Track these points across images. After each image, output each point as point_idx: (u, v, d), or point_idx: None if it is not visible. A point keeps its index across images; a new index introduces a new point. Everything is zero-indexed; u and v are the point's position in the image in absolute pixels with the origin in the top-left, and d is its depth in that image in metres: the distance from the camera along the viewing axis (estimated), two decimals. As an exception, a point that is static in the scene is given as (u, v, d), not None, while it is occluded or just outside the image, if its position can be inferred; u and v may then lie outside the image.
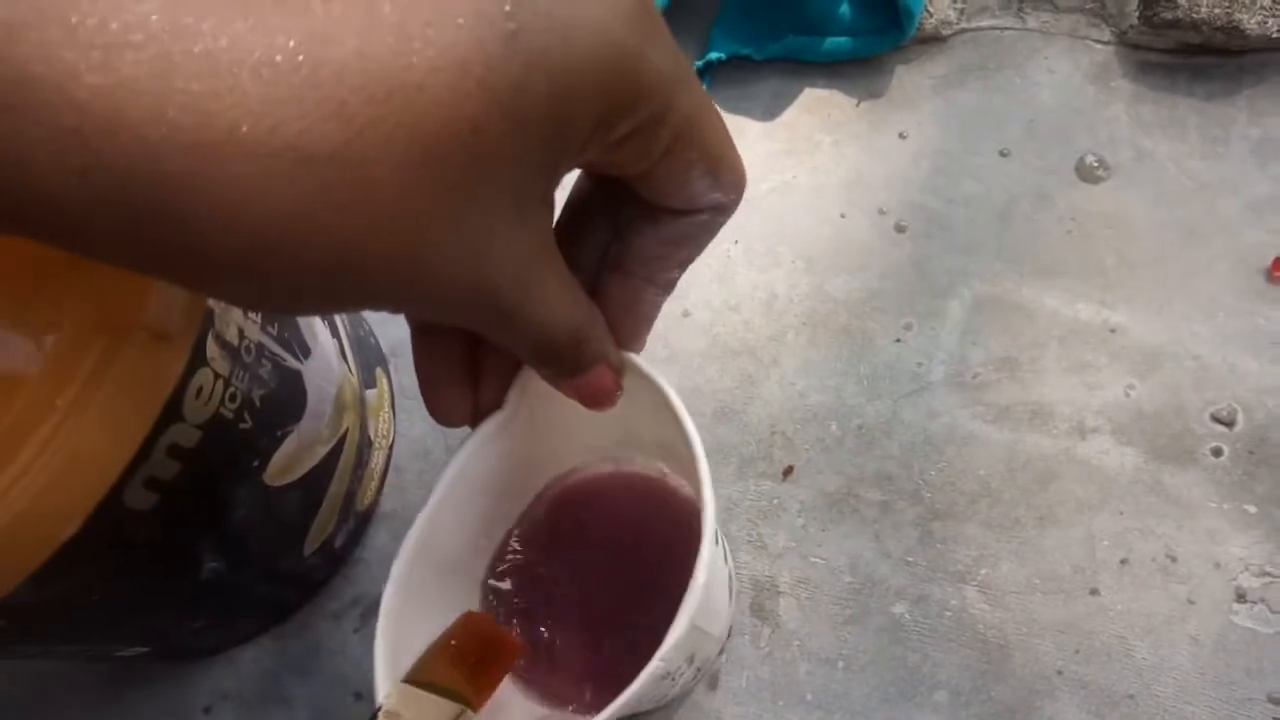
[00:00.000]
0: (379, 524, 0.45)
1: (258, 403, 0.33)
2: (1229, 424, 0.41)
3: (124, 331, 0.26)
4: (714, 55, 0.52)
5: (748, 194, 0.55)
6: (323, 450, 0.38)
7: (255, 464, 0.35)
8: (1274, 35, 0.46)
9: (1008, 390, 0.43)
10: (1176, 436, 0.41)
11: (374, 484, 0.44)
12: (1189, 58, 0.49)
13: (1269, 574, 0.38)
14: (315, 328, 0.38)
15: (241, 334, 0.32)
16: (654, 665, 0.28)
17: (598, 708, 0.33)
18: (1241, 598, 0.38)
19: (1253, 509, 0.39)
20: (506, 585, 0.38)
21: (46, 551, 0.27)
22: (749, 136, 0.52)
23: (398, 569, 0.32)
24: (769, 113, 0.53)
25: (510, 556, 0.39)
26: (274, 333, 0.35)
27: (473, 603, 0.38)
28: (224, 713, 0.43)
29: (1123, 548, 0.40)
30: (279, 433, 0.35)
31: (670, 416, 0.31)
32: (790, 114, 0.52)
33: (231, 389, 0.32)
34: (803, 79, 0.53)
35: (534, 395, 0.34)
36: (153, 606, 0.37)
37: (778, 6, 0.52)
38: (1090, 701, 0.37)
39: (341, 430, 0.40)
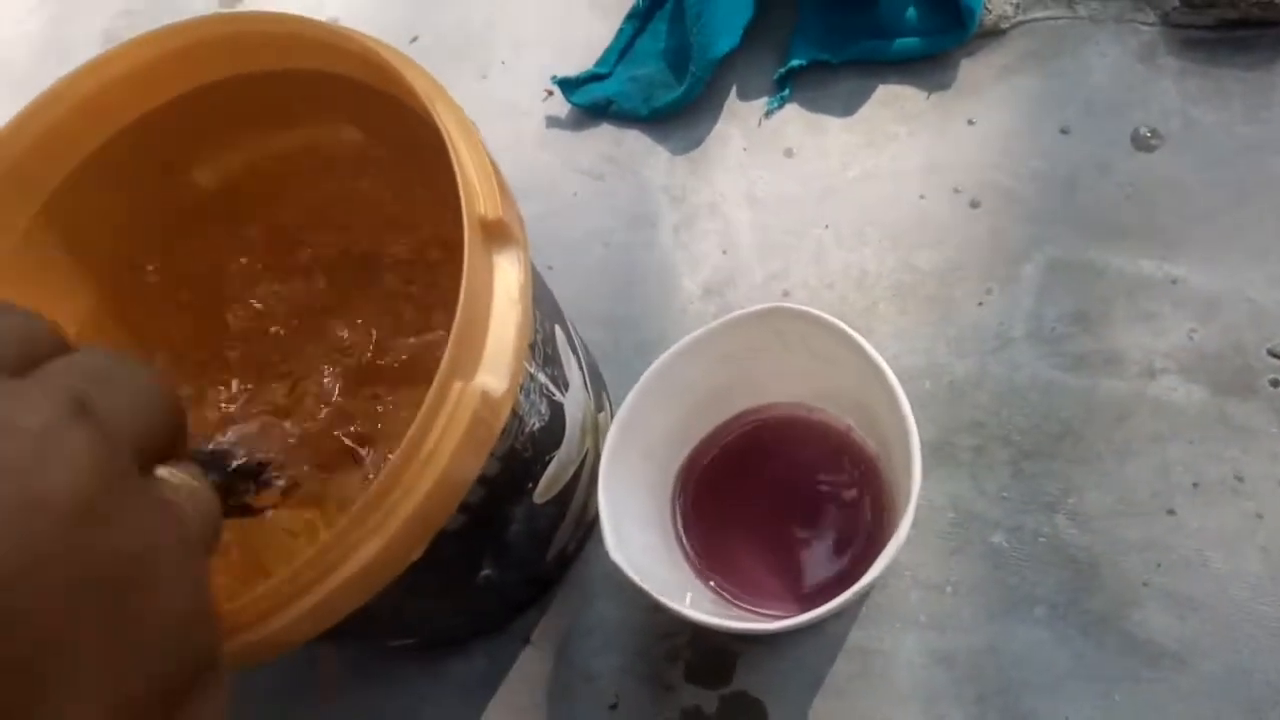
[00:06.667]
0: (598, 533, 0.49)
1: (536, 434, 0.37)
2: (1284, 357, 0.45)
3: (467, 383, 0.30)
4: (795, 62, 0.57)
5: (834, 184, 0.60)
6: (572, 469, 0.42)
7: (530, 485, 0.39)
8: (1308, 6, 0.50)
9: (1082, 341, 0.48)
10: (1237, 371, 0.45)
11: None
12: (1229, 32, 0.53)
13: (1328, 486, 0.42)
14: (570, 363, 0.42)
15: (531, 377, 0.36)
16: (860, 585, 0.35)
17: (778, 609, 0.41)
18: (1304, 509, 0.42)
19: (1310, 431, 0.44)
20: (693, 485, 0.45)
21: (400, 570, 0.30)
22: (830, 132, 0.57)
23: (610, 438, 0.39)
24: (848, 109, 0.57)
25: (702, 461, 0.46)
26: (549, 372, 0.38)
27: (665, 487, 0.45)
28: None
29: (1194, 472, 0.44)
30: (546, 458, 0.39)
31: (880, 388, 0.38)
32: (867, 109, 0.57)
33: (521, 424, 0.36)
34: (876, 77, 0.58)
35: (741, 341, 0.41)
36: (436, 607, 0.43)
37: (851, 14, 0.57)
38: (1175, 608, 0.41)
39: (584, 451, 0.43)
